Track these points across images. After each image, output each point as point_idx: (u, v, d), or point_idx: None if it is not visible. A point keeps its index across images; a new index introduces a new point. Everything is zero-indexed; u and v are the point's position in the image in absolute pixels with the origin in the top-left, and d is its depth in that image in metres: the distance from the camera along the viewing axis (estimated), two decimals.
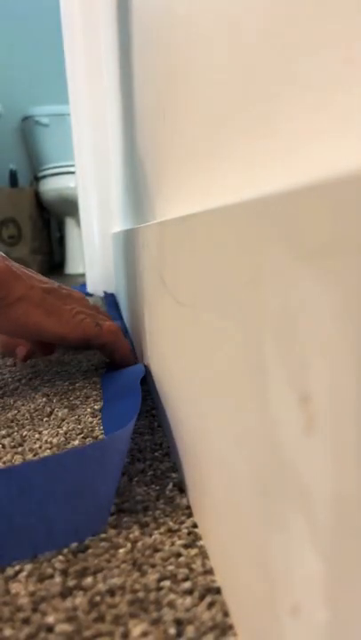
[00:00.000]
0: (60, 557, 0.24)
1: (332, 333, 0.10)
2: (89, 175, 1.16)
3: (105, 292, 1.15)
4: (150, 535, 0.25)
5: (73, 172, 1.26)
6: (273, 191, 0.13)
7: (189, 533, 0.25)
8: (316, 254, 0.11)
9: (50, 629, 0.20)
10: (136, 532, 0.26)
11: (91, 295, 1.21)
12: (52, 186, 2.07)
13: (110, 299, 1.02)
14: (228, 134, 0.21)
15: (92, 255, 1.22)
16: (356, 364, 0.10)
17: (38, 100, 2.21)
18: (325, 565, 0.11)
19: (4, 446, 0.37)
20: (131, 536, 0.25)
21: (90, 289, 1.24)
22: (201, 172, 0.26)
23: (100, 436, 0.38)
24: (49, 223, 2.33)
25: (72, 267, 2.12)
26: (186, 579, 0.22)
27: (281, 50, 0.16)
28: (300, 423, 0.12)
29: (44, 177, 2.11)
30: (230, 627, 0.19)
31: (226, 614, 0.20)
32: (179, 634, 0.19)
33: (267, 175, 0.18)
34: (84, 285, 1.30)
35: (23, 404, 0.46)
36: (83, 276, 1.38)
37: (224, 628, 0.19)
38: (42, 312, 0.47)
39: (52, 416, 0.43)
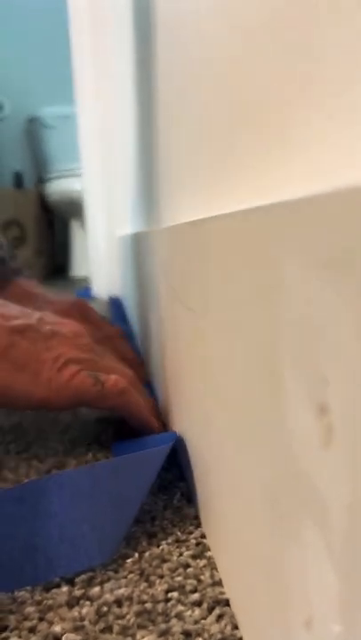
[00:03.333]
0: None
1: (351, 344, 0.10)
2: (95, 178, 1.16)
3: (110, 297, 1.15)
4: (158, 545, 0.25)
5: (79, 175, 1.26)
6: (290, 197, 0.13)
7: (198, 544, 0.25)
8: (335, 263, 0.11)
9: (57, 639, 0.20)
10: (143, 542, 0.25)
11: (95, 299, 1.21)
12: (58, 188, 2.07)
13: (116, 303, 1.02)
14: (243, 140, 0.21)
15: (98, 258, 1.22)
16: None
17: (45, 101, 2.21)
18: (341, 577, 0.11)
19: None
20: (138, 546, 0.25)
21: (95, 292, 1.24)
22: (214, 177, 0.26)
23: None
24: (53, 225, 2.33)
25: (76, 269, 2.12)
26: (194, 590, 0.22)
27: (292, 54, 0.16)
28: (317, 435, 0.12)
29: (50, 179, 2.11)
30: None
31: (235, 627, 0.20)
32: None
33: (284, 182, 0.17)
34: (88, 289, 1.30)
35: None
36: (87, 279, 1.38)
37: None
38: (7, 366, 0.32)
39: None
